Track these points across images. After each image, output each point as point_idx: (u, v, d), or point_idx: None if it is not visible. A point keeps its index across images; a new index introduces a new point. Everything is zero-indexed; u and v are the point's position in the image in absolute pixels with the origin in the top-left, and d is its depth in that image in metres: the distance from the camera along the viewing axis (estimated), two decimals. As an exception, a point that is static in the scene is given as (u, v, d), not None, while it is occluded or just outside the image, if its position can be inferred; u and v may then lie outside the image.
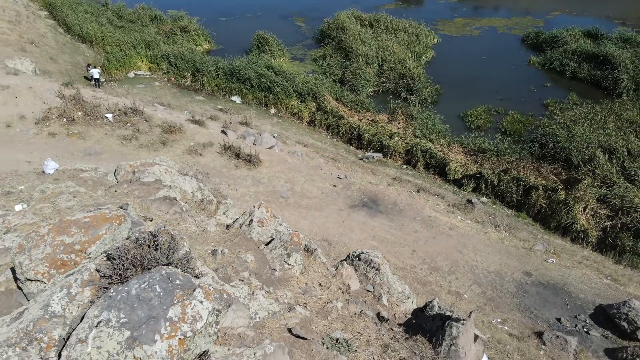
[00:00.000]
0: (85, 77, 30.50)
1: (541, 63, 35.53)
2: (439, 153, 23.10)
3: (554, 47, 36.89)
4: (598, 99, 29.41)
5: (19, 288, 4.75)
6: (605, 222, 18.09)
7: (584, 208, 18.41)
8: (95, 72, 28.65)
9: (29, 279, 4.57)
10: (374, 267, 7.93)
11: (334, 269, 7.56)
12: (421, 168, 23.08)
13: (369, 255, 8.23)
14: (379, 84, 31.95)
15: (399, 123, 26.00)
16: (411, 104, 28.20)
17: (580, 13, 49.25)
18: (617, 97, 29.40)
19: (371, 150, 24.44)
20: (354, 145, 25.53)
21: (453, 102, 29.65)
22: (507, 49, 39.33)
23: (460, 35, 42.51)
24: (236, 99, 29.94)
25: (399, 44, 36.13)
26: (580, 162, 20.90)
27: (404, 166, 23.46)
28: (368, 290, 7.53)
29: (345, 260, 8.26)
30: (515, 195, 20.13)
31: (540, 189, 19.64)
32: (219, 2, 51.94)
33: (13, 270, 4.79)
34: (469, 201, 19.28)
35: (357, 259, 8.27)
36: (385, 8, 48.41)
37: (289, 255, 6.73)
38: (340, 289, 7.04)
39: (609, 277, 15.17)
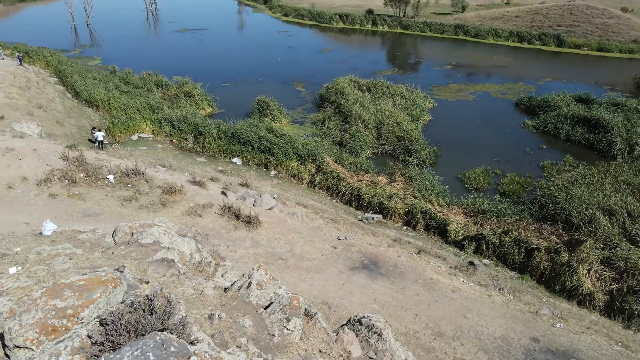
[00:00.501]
0: (90, 140, 31.12)
1: (535, 126, 36.45)
2: (438, 214, 23.06)
3: (546, 111, 38.05)
4: (594, 160, 29.90)
5: (7, 356, 4.55)
6: (610, 285, 17.69)
7: (588, 270, 18.09)
8: (100, 135, 29.26)
9: (17, 346, 4.39)
10: (376, 333, 7.65)
11: (335, 334, 7.29)
12: (421, 229, 22.95)
13: (370, 319, 7.96)
14: (377, 146, 32.56)
15: (398, 184, 26.20)
16: (410, 166, 28.56)
17: (570, 79, 51.25)
18: (612, 159, 29.92)
19: (371, 212, 24.41)
20: (353, 206, 25.55)
21: (451, 163, 30.07)
22: (502, 113, 40.52)
23: (456, 100, 43.94)
24: (237, 160, 30.36)
25: (396, 107, 37.24)
26: (581, 224, 20.83)
27: (404, 227, 23.33)
28: (370, 358, 7.21)
29: (346, 324, 7.98)
30: (517, 256, 19.85)
31: (543, 250, 19.40)
32: (222, 69, 54.20)
33: (2, 336, 4.61)
34: (471, 263, 18.98)
35: (358, 323, 8.00)
36: (383, 74, 50.49)
37: (288, 320, 6.51)
38: (341, 356, 6.75)
39: (620, 344, 14.60)
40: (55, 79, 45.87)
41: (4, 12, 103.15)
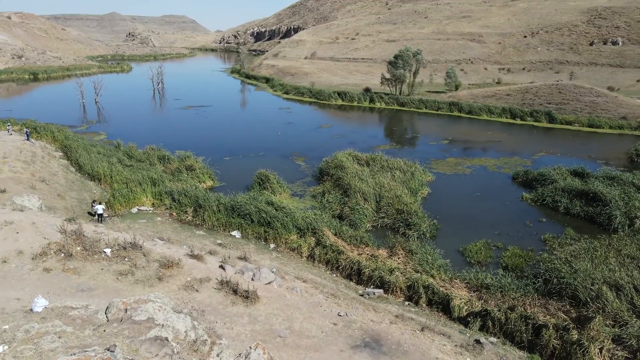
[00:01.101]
0: (89, 213, 31.14)
1: (534, 199, 36.71)
2: (441, 289, 22.50)
3: (543, 185, 38.52)
4: (595, 234, 29.75)
5: None
6: (625, 365, 16.86)
7: (600, 349, 17.31)
8: (100, 208, 29.33)
9: None
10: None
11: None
12: (424, 304, 22.27)
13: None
14: (377, 219, 32.54)
15: (398, 258, 25.83)
16: (410, 239, 28.32)
17: (564, 154, 52.45)
18: (613, 233, 29.79)
19: (372, 286, 23.83)
20: (354, 280, 24.99)
21: (451, 236, 29.88)
22: (499, 186, 40.98)
23: (453, 173, 44.63)
24: (236, 233, 30.18)
25: (395, 181, 37.73)
26: (588, 299, 20.25)
27: (406, 303, 22.66)
28: None
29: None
30: (525, 334, 19.07)
31: (551, 327, 18.69)
32: (224, 143, 55.61)
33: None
34: (477, 341, 18.18)
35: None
36: (381, 149, 51.76)
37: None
38: None
39: None
40: (61, 154, 46.86)
41: (17, 91, 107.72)
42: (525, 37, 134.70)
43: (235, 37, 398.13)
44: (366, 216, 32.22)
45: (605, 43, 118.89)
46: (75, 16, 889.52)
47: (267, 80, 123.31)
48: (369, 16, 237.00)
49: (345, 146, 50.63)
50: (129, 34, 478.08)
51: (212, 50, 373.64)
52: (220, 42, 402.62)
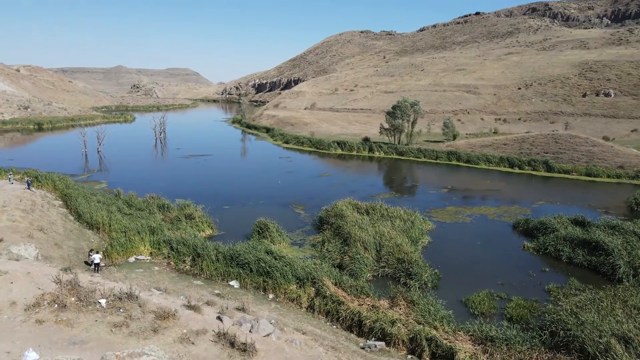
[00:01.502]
0: (86, 262, 30.73)
1: (536, 248, 36.37)
2: (444, 341, 21.81)
3: (545, 233, 38.29)
4: (599, 284, 29.26)
5: None
6: None
7: (613, 406, 16.57)
8: (97, 258, 28.97)
9: None
10: None
11: None
12: (427, 358, 21.52)
13: None
14: (377, 269, 32.07)
15: (400, 309, 25.22)
16: (411, 289, 27.77)
17: (563, 202, 52.52)
18: (618, 283, 29.30)
19: (373, 339, 23.12)
20: (354, 332, 24.28)
21: (453, 286, 29.34)
22: (500, 235, 40.73)
23: (454, 222, 44.48)
24: (234, 283, 29.64)
25: (395, 229, 37.51)
26: (597, 353, 19.61)
27: (409, 356, 21.88)
28: None
29: None
30: (533, 390, 18.33)
31: (560, 383, 17.99)
32: (224, 192, 55.80)
33: None
34: (484, 398, 17.43)
35: None
36: (381, 197, 51.87)
37: None
38: None
39: None
40: (60, 202, 46.88)
41: (20, 140, 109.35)
42: (519, 88, 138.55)
43: (237, 88, 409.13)
44: (367, 265, 31.78)
45: (597, 95, 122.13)
46: (82, 69, 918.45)
47: (268, 130, 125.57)
48: (367, 69, 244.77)
49: (345, 195, 50.79)
50: (134, 85, 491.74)
51: (214, 101, 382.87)
52: (222, 94, 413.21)
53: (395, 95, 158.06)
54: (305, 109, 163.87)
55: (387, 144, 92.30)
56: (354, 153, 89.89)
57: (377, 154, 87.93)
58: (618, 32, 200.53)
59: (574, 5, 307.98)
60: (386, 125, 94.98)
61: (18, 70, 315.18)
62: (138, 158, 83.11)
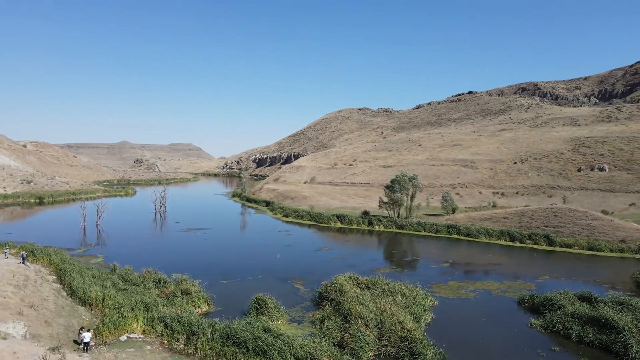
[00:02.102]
0: (76, 341, 29.49)
1: (543, 326, 35.12)
2: None
3: (551, 310, 37.17)
4: (613, 364, 27.90)
5: None
6: None
7: None
8: (87, 336, 27.84)
9: None
10: None
11: None
12: None
13: None
14: (379, 348, 30.67)
15: (404, 392, 23.80)
16: (416, 370, 26.42)
17: (567, 277, 51.53)
18: (633, 363, 27.96)
19: None
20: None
21: (460, 368, 27.93)
22: (505, 311, 39.47)
23: (456, 298, 43.31)
24: (229, 364, 28.23)
25: (397, 306, 36.43)
26: None
27: None
28: None
29: None
30: None
31: None
32: (222, 266, 54.92)
33: None
34: None
35: None
36: (381, 272, 50.99)
37: None
38: None
39: None
40: (54, 277, 45.89)
41: (20, 214, 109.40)
42: (515, 163, 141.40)
43: (237, 162, 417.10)
44: (368, 344, 30.45)
45: (592, 169, 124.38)
46: (87, 144, 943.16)
47: (267, 203, 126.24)
48: (365, 144, 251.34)
49: (345, 269, 49.94)
50: (137, 160, 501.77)
51: (215, 175, 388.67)
52: (223, 168, 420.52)
53: (393, 169, 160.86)
54: (305, 182, 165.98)
55: (386, 217, 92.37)
56: (354, 227, 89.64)
57: (376, 228, 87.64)
58: (606, 109, 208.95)
59: (562, 85, 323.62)
60: (385, 199, 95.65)
61: (25, 146, 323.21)
62: (137, 231, 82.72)
